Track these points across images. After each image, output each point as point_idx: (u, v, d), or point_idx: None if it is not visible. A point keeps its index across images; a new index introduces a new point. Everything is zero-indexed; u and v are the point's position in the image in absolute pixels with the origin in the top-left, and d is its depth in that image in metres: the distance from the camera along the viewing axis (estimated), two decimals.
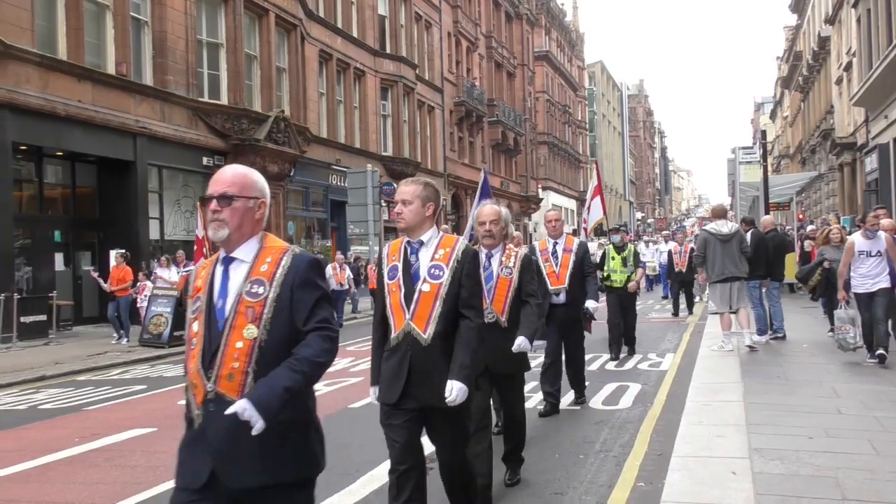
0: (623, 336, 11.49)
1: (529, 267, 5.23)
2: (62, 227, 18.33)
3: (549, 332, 7.26)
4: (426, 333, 3.69)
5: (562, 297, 7.53)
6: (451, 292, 3.72)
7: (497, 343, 4.87)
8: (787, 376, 8.56)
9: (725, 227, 10.43)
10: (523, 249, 6.12)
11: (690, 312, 17.68)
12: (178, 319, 14.90)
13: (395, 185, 29.23)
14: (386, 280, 3.83)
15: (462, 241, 3.87)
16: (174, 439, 7.08)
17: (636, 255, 11.85)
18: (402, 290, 3.75)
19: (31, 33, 15.59)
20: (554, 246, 7.74)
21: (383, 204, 22.82)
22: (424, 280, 3.74)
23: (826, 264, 10.72)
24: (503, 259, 5.11)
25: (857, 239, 9.42)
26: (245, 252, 2.72)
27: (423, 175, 34.83)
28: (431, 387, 3.66)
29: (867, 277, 9.23)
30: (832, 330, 10.56)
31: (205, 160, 20.70)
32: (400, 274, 3.78)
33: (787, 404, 6.98)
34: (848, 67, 30.74)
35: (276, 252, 2.72)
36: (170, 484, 5.55)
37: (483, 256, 5.03)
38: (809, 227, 20.96)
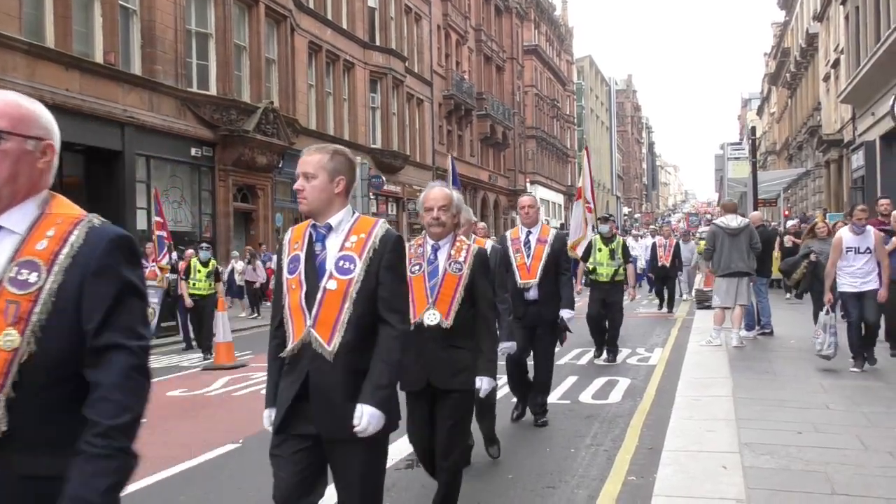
0: (604, 337, 10.51)
1: (485, 265, 4.23)
2: None
3: (519, 335, 6.31)
4: (330, 344, 2.83)
5: (532, 293, 6.63)
6: (365, 291, 2.87)
7: (436, 352, 4.02)
8: (776, 372, 8.62)
9: (734, 221, 10.42)
10: (489, 242, 5.96)
11: (670, 310, 16.88)
12: (164, 311, 14.88)
13: (383, 178, 29.21)
14: (285, 275, 2.99)
15: (381, 225, 2.99)
16: (163, 431, 7.11)
17: (625, 248, 10.84)
18: (304, 287, 2.90)
19: (18, 21, 15.43)
20: (527, 235, 6.81)
21: (372, 197, 22.78)
22: (331, 275, 2.88)
23: (812, 257, 10.17)
24: (452, 252, 4.13)
25: (844, 234, 8.82)
26: (16, 219, 1.84)
27: (413, 169, 34.99)
28: (333, 413, 2.83)
29: (855, 276, 8.60)
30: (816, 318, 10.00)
31: (193, 151, 20.59)
32: (302, 267, 2.93)
33: (776, 399, 7.03)
34: (835, 64, 30.89)
35: (64, 222, 1.85)
36: (159, 475, 5.55)
37: (429, 248, 4.18)
38: (790, 223, 19.87)
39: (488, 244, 5.72)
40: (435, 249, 4.18)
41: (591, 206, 13.58)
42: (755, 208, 20.24)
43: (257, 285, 20.01)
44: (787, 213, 31.76)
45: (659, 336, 13.02)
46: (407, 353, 3.06)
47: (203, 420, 7.55)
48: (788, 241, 15.94)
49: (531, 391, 6.99)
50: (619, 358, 10.53)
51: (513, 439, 6.38)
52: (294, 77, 24.93)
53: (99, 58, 17.57)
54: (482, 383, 4.13)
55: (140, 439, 5.40)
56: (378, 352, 2.87)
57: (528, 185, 55.01)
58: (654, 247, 17.83)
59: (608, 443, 6.18)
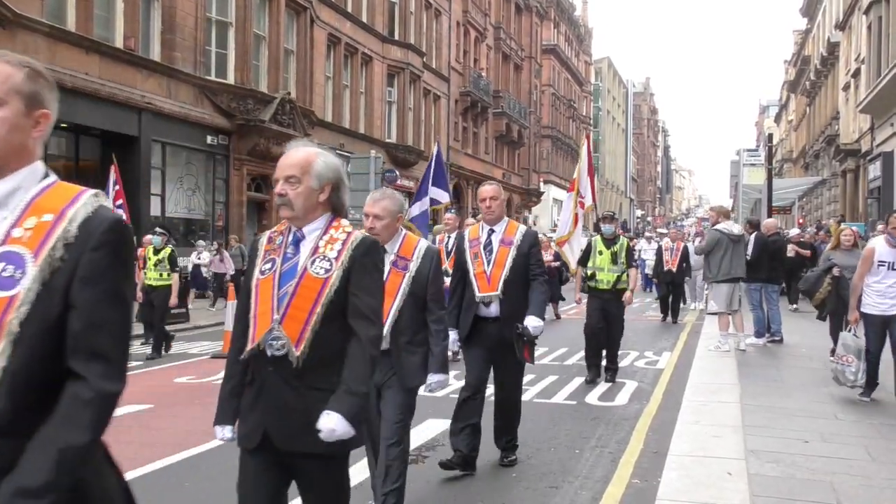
0: (599, 359, 9.13)
1: (363, 265, 2.72)
2: None
3: (472, 356, 5.47)
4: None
5: (493, 309, 5.34)
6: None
7: (280, 398, 2.67)
8: (785, 380, 8.58)
9: (735, 227, 10.67)
10: (424, 241, 4.48)
11: (675, 321, 15.64)
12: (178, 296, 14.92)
13: (396, 172, 29.22)
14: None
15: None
16: (171, 416, 7.14)
17: (630, 251, 9.39)
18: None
19: (40, 3, 15.52)
20: (489, 235, 5.46)
21: None
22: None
23: (836, 271, 8.72)
24: (321, 244, 2.74)
25: (878, 245, 7.50)
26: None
27: (425, 164, 34.85)
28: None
29: (885, 297, 7.23)
30: (833, 353, 8.33)
31: (209, 139, 20.66)
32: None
33: (784, 408, 7.00)
34: (856, 74, 30.68)
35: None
36: (165, 461, 5.58)
37: (290, 237, 2.92)
38: (793, 232, 18.44)
39: (423, 242, 4.31)
40: (297, 240, 2.80)
41: (584, 200, 12.38)
42: (769, 215, 20.15)
43: (227, 277, 18.35)
44: (801, 221, 31.57)
45: (668, 340, 12.97)
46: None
47: (210, 407, 7.51)
48: (791, 250, 15.06)
49: (496, 429, 5.76)
50: (627, 361, 10.49)
51: (518, 438, 6.37)
52: (312, 68, 24.96)
53: (119, 43, 17.65)
54: (335, 426, 2.57)
55: (147, 425, 5.48)
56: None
57: (541, 184, 54.92)
58: (659, 250, 16.91)
59: (613, 445, 6.17)
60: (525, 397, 7.95)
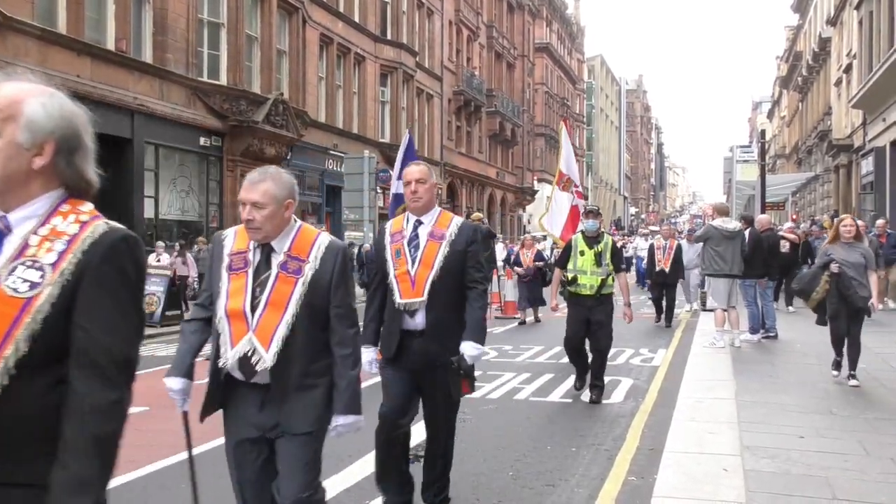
0: (586, 366, 8.14)
1: (100, 278, 1.77)
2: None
3: (391, 380, 4.36)
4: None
5: (418, 320, 4.22)
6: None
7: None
8: (779, 376, 8.60)
9: (730, 224, 10.67)
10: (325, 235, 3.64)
11: (668, 325, 14.56)
12: (171, 299, 14.91)
13: (390, 171, 29.22)
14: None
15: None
16: (166, 419, 7.11)
17: (616, 251, 8.17)
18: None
19: (31, 5, 15.47)
20: (415, 228, 4.33)
21: (379, 190, 22.79)
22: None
23: (834, 267, 7.81)
24: (36, 248, 1.90)
25: None
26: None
27: (422, 163, 34.84)
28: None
29: None
30: (838, 366, 8.21)
31: (202, 140, 20.61)
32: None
33: (779, 403, 7.02)
34: (848, 69, 30.77)
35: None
36: (162, 463, 5.56)
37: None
38: (787, 225, 17.69)
39: (324, 237, 3.25)
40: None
41: (580, 189, 12.04)
42: (763, 212, 20.17)
43: (190, 280, 17.47)
44: (794, 217, 31.67)
45: (663, 337, 12.99)
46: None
47: None
48: (784, 245, 14.43)
49: (424, 476, 4.64)
50: (622, 359, 10.49)
51: (514, 437, 6.38)
52: (305, 69, 24.93)
53: (110, 45, 17.60)
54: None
55: (142, 427, 5.45)
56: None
57: (535, 182, 54.97)
58: (651, 249, 15.60)
59: (609, 442, 6.17)
60: (521, 396, 7.98)
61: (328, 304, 3.08)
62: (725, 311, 10.56)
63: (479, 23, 44.04)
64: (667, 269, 14.66)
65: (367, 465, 5.47)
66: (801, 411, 6.72)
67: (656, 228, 24.86)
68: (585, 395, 7.98)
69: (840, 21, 32.72)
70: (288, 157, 23.48)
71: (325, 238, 3.17)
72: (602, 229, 8.37)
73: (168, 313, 14.75)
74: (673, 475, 4.95)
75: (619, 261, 8.20)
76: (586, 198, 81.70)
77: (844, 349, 8.04)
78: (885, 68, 20.91)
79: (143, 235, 18.21)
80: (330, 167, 27.14)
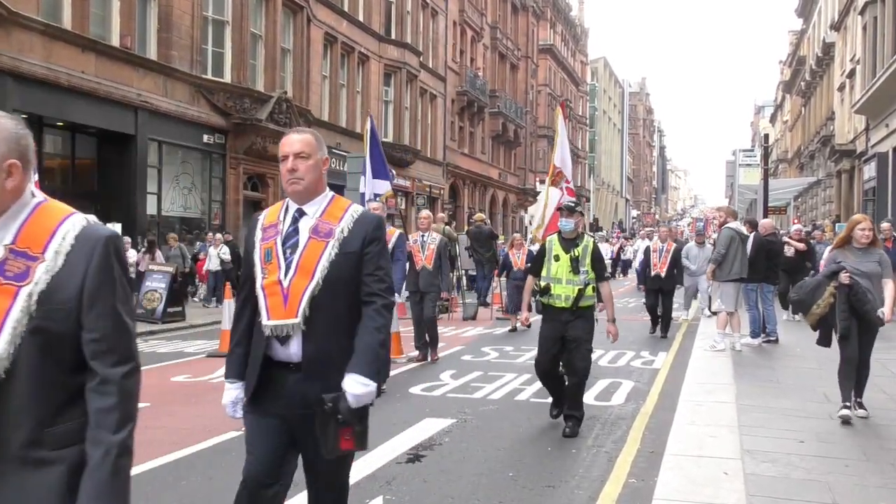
0: (562, 389, 6.83)
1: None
2: (59, 198, 18.13)
3: (255, 433, 3.12)
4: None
5: (292, 350, 3.02)
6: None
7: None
8: (780, 380, 8.61)
9: (743, 228, 10.80)
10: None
11: (665, 335, 13.21)
12: (173, 296, 14.91)
13: (393, 172, 29.21)
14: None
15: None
16: (167, 415, 7.13)
17: (597, 255, 6.83)
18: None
19: (36, 1, 15.49)
20: (294, 222, 3.11)
21: None
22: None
23: (845, 277, 6.59)
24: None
25: None
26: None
27: (423, 164, 35.01)
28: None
29: None
30: (849, 403, 6.72)
31: (205, 137, 20.65)
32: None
33: (780, 408, 7.03)
34: (851, 74, 30.76)
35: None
36: (162, 460, 5.58)
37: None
38: (794, 228, 16.32)
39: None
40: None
41: (571, 185, 10.84)
42: (765, 216, 20.18)
43: None
44: (796, 221, 31.69)
45: (664, 340, 12.98)
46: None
47: (206, 406, 7.57)
48: (789, 249, 13.64)
49: None
50: (623, 361, 10.50)
51: (514, 438, 6.39)
52: (308, 68, 24.97)
53: (115, 41, 17.63)
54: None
55: (144, 423, 5.42)
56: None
57: (538, 184, 54.97)
58: (647, 252, 14.20)
59: (610, 444, 6.18)
60: (521, 397, 7.99)
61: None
62: (730, 314, 10.62)
63: (483, 23, 44.06)
64: (663, 274, 13.40)
65: (366, 464, 5.48)
66: (801, 415, 6.73)
67: (652, 229, 23.04)
68: (588, 396, 7.98)
69: (844, 26, 32.72)
70: None
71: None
72: (583, 230, 7.19)
73: (170, 310, 14.74)
74: (673, 478, 4.95)
75: (602, 267, 6.85)
76: (588, 200, 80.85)
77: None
78: (889, 74, 20.91)
79: (144, 232, 18.25)
80: (333, 166, 27.10)
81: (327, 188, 3.20)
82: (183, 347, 12.11)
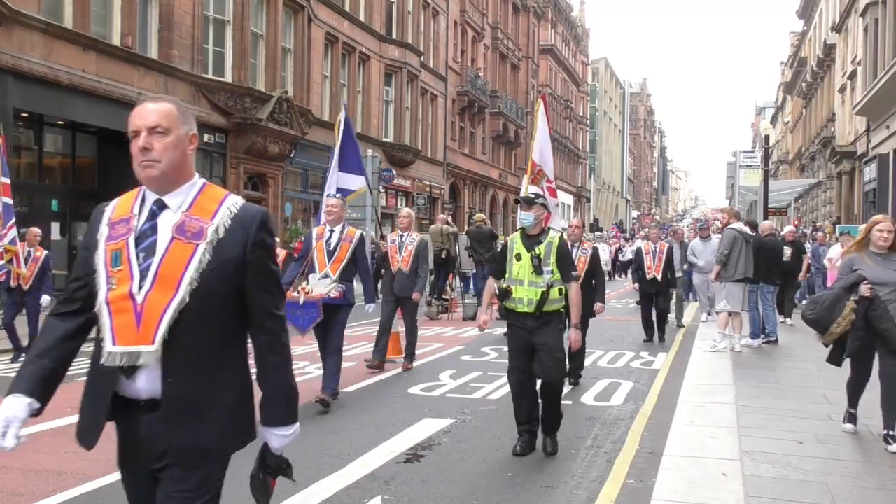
0: (533, 417, 6.04)
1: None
2: (60, 197, 18.26)
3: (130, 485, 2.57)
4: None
5: (142, 385, 2.33)
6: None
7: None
8: (780, 381, 8.61)
9: (747, 228, 10.81)
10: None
11: (662, 338, 12.57)
12: None
13: (393, 171, 29.23)
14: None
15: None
16: None
17: (563, 253, 5.98)
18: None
19: (37, 0, 15.50)
20: (153, 217, 2.38)
21: (382, 189, 22.79)
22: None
23: (866, 289, 5.83)
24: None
25: None
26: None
27: (424, 164, 35.01)
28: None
29: None
30: (853, 419, 6.26)
31: (206, 137, 20.62)
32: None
33: (779, 409, 7.03)
34: (852, 76, 30.76)
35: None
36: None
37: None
38: (786, 229, 15.73)
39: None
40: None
41: (553, 185, 9.39)
42: (766, 217, 20.17)
43: None
44: (797, 222, 31.69)
45: (663, 341, 12.96)
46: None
47: None
48: (786, 252, 13.44)
49: None
50: (622, 361, 10.50)
51: (513, 438, 6.38)
52: (309, 67, 24.96)
53: (116, 40, 17.63)
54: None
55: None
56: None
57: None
58: (639, 253, 13.13)
59: (609, 445, 6.18)
60: None
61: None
62: (731, 315, 10.64)
63: (484, 24, 44.06)
64: (659, 277, 12.45)
65: (365, 464, 5.49)
66: (800, 417, 6.73)
67: (646, 231, 22.10)
68: (587, 397, 7.99)
69: (845, 28, 32.71)
70: (292, 155, 23.53)
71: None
72: (551, 225, 6.52)
73: None
74: (672, 479, 4.95)
75: (569, 266, 6.00)
76: (588, 200, 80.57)
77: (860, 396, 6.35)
78: (890, 76, 20.91)
79: None
80: None
81: (196, 174, 2.48)
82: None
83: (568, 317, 6.20)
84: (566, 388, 8.25)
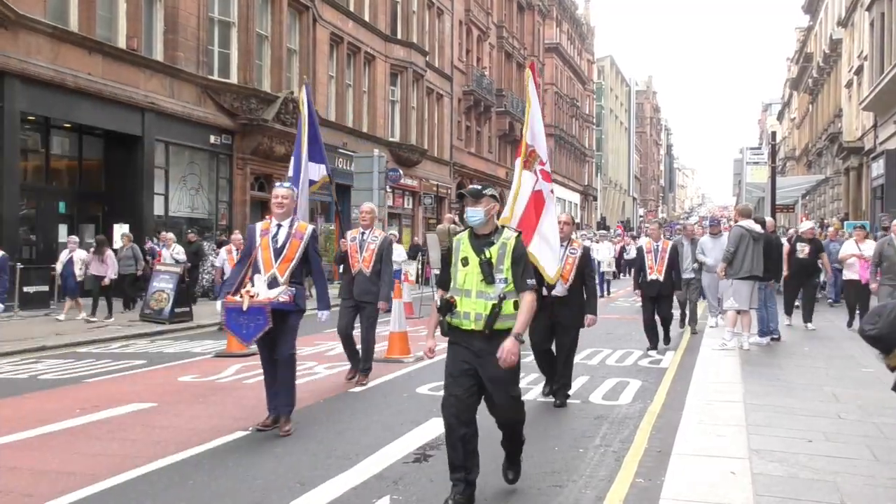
0: (476, 463, 4.78)
1: None
2: (67, 199, 18.33)
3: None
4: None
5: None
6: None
7: None
8: (788, 379, 8.57)
9: (755, 226, 10.71)
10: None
11: (668, 341, 11.87)
12: (180, 296, 14.90)
13: (400, 171, 29.23)
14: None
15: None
16: (174, 415, 7.15)
17: (519, 256, 4.74)
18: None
19: (43, 3, 15.56)
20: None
21: (388, 190, 22.78)
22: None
23: None
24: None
25: None
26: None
27: (430, 163, 34.99)
28: None
29: None
30: None
31: (212, 138, 20.70)
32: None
33: (788, 407, 6.99)
34: (858, 71, 30.65)
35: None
36: (169, 459, 5.58)
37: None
38: (805, 227, 14.29)
39: None
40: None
41: (546, 167, 7.91)
42: (773, 214, 20.10)
43: (106, 281, 15.17)
44: (804, 218, 31.57)
45: (671, 339, 12.91)
46: None
47: (213, 406, 7.58)
48: (802, 250, 13.01)
49: None
50: (631, 360, 10.47)
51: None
52: (315, 68, 25.00)
53: (122, 43, 17.70)
54: None
55: (151, 423, 5.45)
56: None
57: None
58: (640, 252, 12.19)
59: (617, 444, 6.16)
60: (529, 396, 7.96)
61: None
62: (739, 312, 10.58)
63: (489, 23, 44.04)
64: (661, 278, 11.52)
65: (373, 464, 5.48)
66: (809, 415, 6.69)
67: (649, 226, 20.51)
68: (596, 396, 7.97)
69: (851, 22, 32.59)
70: None
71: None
72: (504, 224, 5.20)
73: (177, 310, 14.74)
74: (681, 477, 4.93)
75: (525, 272, 4.75)
76: (595, 198, 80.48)
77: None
78: None
79: (151, 233, 18.28)
80: (339, 166, 27.14)
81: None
82: (190, 347, 12.13)
83: None
84: (575, 385, 8.23)
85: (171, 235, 17.05)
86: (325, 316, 6.91)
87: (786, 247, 13.23)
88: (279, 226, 6.60)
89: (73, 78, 16.05)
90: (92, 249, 15.50)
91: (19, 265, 15.07)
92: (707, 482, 4.83)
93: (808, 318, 13.27)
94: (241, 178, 21.86)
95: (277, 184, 7.09)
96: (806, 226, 14.32)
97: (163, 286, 15.01)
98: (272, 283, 6.38)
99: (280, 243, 6.50)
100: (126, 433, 6.43)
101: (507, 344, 4.58)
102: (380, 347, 10.89)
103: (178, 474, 5.29)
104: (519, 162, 7.81)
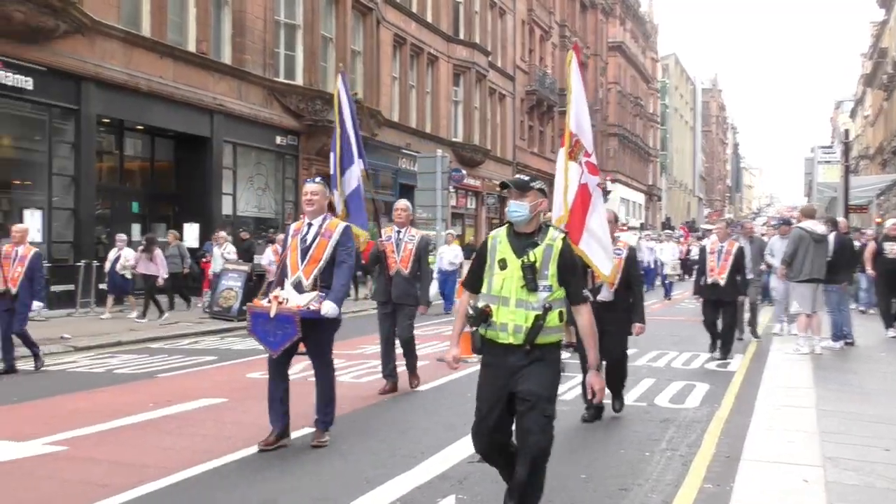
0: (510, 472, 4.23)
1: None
2: (140, 199, 18.85)
3: None
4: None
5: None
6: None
7: None
8: (862, 385, 8.32)
9: (819, 227, 10.37)
10: None
11: (725, 356, 10.57)
12: (248, 294, 15.13)
13: (463, 171, 29.27)
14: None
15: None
16: (243, 411, 7.29)
17: (568, 261, 4.14)
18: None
19: (116, 10, 16.03)
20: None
21: (451, 190, 22.84)
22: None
23: None
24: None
25: None
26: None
27: (493, 163, 34.97)
28: None
29: None
30: None
31: (278, 139, 21.05)
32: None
33: (862, 414, 6.79)
34: None
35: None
36: (238, 454, 5.70)
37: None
38: (891, 223, 13.32)
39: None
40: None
41: (592, 159, 7.36)
42: (846, 214, 19.54)
43: (160, 281, 15.21)
44: (879, 220, 30.56)
45: (739, 342, 12.64)
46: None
47: None
48: (891, 249, 12.25)
49: None
50: (697, 363, 10.28)
51: (587, 440, 6.33)
52: (378, 69, 25.21)
53: (192, 47, 18.12)
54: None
55: (221, 419, 5.55)
56: None
57: (608, 183, 54.35)
58: (702, 253, 11.21)
59: (684, 448, 6.06)
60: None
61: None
62: (809, 316, 10.30)
63: (551, 22, 43.78)
64: (722, 282, 10.47)
65: (437, 463, 5.50)
66: (885, 422, 6.49)
67: (710, 227, 18.58)
68: (662, 399, 7.85)
69: None
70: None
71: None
72: (549, 222, 4.79)
73: (245, 308, 14.97)
74: (751, 484, 4.83)
75: (578, 281, 4.26)
76: (659, 199, 79.23)
77: None
78: None
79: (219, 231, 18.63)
80: (403, 166, 27.36)
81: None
82: (258, 344, 12.33)
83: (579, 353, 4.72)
84: (641, 388, 8.12)
85: (223, 234, 17.03)
86: (332, 310, 5.84)
87: (870, 247, 12.79)
88: (310, 224, 6.06)
89: (146, 81, 16.50)
90: (141, 248, 15.30)
91: (95, 263, 15.58)
92: (779, 489, 4.73)
93: (890, 322, 12.41)
94: (306, 178, 22.13)
95: (307, 180, 6.52)
96: (891, 223, 13.33)
97: (231, 284, 15.32)
98: (298, 287, 5.89)
99: (308, 243, 5.97)
100: (196, 428, 6.58)
101: (594, 380, 4.30)
102: (434, 348, 10.91)
103: (249, 470, 5.39)
104: (562, 153, 7.05)
